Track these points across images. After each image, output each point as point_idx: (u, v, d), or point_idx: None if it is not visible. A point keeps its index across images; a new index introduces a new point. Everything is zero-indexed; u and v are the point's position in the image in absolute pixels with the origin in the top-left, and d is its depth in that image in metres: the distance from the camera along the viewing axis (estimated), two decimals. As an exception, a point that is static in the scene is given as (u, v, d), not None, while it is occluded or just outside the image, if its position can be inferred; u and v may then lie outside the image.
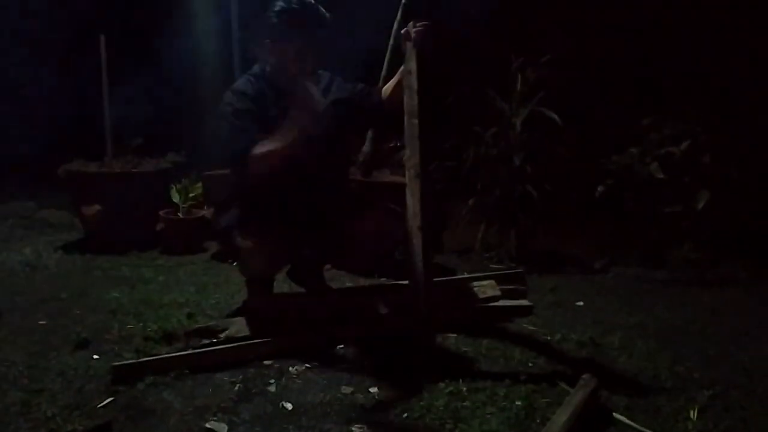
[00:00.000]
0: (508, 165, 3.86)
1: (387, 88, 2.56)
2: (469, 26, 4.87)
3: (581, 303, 3.07)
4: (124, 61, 4.86)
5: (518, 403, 1.95)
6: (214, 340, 2.38)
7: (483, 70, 4.05)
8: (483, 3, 4.98)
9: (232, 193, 2.65)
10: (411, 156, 2.28)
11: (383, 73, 3.48)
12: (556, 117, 3.68)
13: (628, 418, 1.89)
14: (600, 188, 3.77)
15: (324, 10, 2.42)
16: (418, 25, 2.32)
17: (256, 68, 2.55)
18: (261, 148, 2.29)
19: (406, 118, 2.29)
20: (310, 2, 2.41)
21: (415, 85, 2.28)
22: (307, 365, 2.26)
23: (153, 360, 2.22)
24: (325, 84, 2.58)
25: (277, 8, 2.39)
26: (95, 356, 2.34)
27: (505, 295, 2.77)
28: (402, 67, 2.41)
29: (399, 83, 2.45)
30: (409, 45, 2.32)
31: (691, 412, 1.91)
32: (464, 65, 4.52)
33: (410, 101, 2.29)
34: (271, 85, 2.49)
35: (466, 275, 3.11)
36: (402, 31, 2.37)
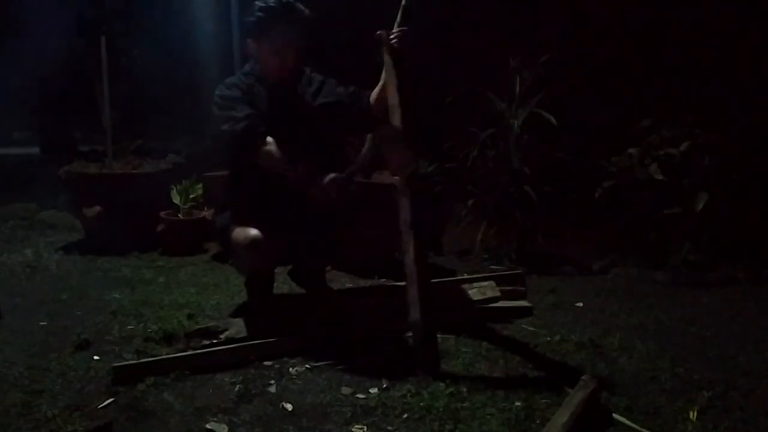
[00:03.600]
0: (507, 166, 3.86)
1: (374, 94, 2.58)
2: (468, 27, 4.88)
3: (581, 304, 3.07)
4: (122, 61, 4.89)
5: (518, 403, 1.95)
6: (215, 341, 2.39)
7: (482, 70, 4.05)
8: (482, 4, 4.99)
9: (227, 193, 2.65)
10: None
11: (383, 74, 3.48)
12: (552, 119, 3.68)
13: (628, 419, 1.90)
14: (599, 190, 3.77)
15: (303, 7, 2.44)
16: (393, 32, 2.36)
17: (247, 67, 2.59)
18: (274, 148, 2.33)
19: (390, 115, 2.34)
20: (289, 0, 2.42)
21: (395, 90, 2.32)
22: (307, 366, 2.26)
23: (153, 361, 2.23)
24: (317, 86, 2.60)
25: (256, 7, 2.43)
26: (96, 357, 2.35)
27: (505, 296, 2.78)
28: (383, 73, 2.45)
29: (383, 89, 2.49)
30: (385, 54, 2.36)
31: (691, 413, 1.92)
32: (463, 65, 4.53)
33: (393, 105, 2.33)
34: (261, 82, 2.51)
35: (465, 276, 3.11)
36: (374, 36, 2.40)
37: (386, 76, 2.40)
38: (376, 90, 2.57)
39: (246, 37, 2.51)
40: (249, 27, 2.47)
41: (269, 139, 2.36)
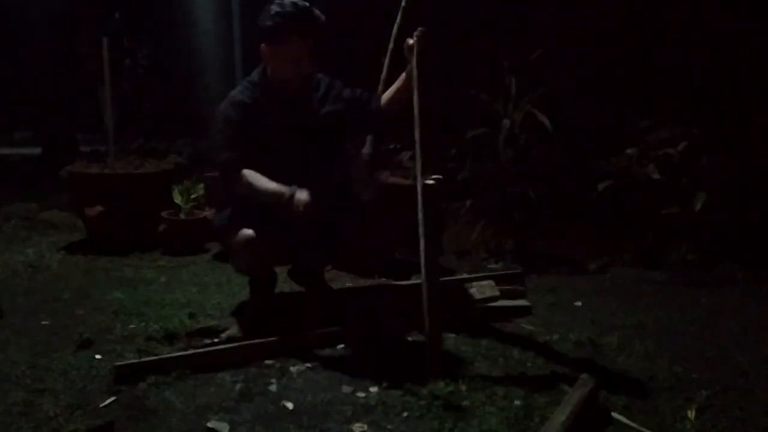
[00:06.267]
0: (504, 166, 3.87)
1: (387, 95, 2.58)
2: (466, 27, 4.88)
3: (579, 303, 3.08)
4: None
5: (517, 402, 1.96)
6: (216, 340, 2.40)
7: (480, 70, 4.07)
8: (482, 4, 4.99)
9: (227, 194, 2.66)
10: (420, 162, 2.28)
11: (383, 75, 3.49)
12: (546, 122, 3.68)
13: (627, 418, 1.90)
14: (598, 189, 3.78)
15: (319, 13, 2.43)
16: (416, 32, 2.34)
17: (254, 75, 2.56)
18: (250, 179, 2.34)
19: (416, 126, 2.31)
20: (305, 5, 2.41)
21: (419, 92, 2.29)
22: (308, 365, 2.27)
23: (155, 360, 2.24)
24: (324, 89, 2.58)
25: (272, 12, 2.40)
26: (97, 356, 2.36)
27: (504, 295, 2.78)
28: (403, 75, 2.43)
29: (398, 90, 2.48)
30: (412, 55, 2.33)
31: (690, 412, 1.92)
32: (461, 66, 4.53)
33: (417, 109, 2.31)
34: (268, 91, 2.50)
35: (465, 275, 3.12)
36: (404, 45, 2.38)
37: (414, 82, 2.35)
38: (390, 91, 2.55)
39: (259, 41, 2.47)
40: (264, 32, 2.43)
41: (245, 171, 2.36)
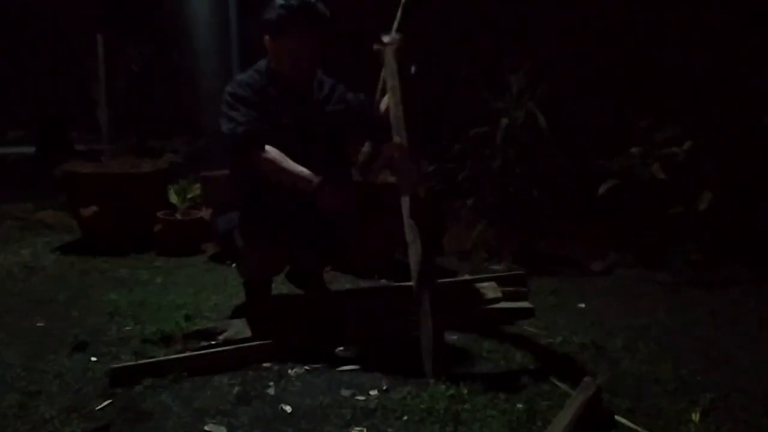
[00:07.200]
0: (505, 166, 3.85)
1: (383, 104, 2.56)
2: (466, 27, 4.87)
3: (583, 305, 3.06)
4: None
5: (519, 405, 1.94)
6: (213, 342, 2.37)
7: (480, 70, 4.05)
8: (480, 5, 4.98)
9: (232, 195, 2.64)
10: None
11: (383, 74, 3.46)
12: (542, 119, 3.65)
13: (630, 421, 1.88)
14: (601, 189, 3.76)
15: (324, 8, 2.42)
16: (388, 40, 2.35)
17: (261, 63, 2.55)
18: (275, 155, 2.30)
19: (393, 130, 2.32)
20: (310, 0, 2.41)
21: (399, 95, 2.29)
22: (306, 368, 2.25)
23: (151, 362, 2.21)
24: (327, 92, 2.58)
25: (276, 4, 2.39)
26: (93, 358, 2.33)
27: (507, 297, 2.76)
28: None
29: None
30: (388, 58, 2.33)
31: (694, 415, 1.91)
32: (461, 66, 4.52)
33: (396, 113, 2.31)
34: (273, 80, 2.49)
35: (467, 277, 3.10)
36: (375, 48, 2.38)
37: (389, 85, 2.34)
38: (386, 98, 2.54)
39: (263, 34, 2.46)
40: (267, 25, 2.42)
41: (269, 147, 2.32)
